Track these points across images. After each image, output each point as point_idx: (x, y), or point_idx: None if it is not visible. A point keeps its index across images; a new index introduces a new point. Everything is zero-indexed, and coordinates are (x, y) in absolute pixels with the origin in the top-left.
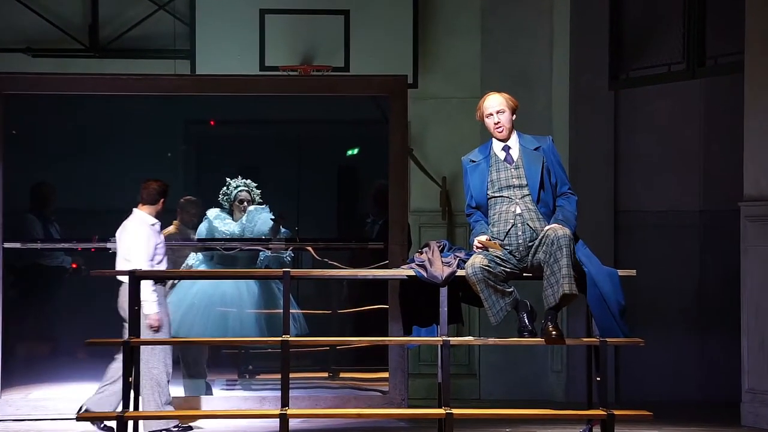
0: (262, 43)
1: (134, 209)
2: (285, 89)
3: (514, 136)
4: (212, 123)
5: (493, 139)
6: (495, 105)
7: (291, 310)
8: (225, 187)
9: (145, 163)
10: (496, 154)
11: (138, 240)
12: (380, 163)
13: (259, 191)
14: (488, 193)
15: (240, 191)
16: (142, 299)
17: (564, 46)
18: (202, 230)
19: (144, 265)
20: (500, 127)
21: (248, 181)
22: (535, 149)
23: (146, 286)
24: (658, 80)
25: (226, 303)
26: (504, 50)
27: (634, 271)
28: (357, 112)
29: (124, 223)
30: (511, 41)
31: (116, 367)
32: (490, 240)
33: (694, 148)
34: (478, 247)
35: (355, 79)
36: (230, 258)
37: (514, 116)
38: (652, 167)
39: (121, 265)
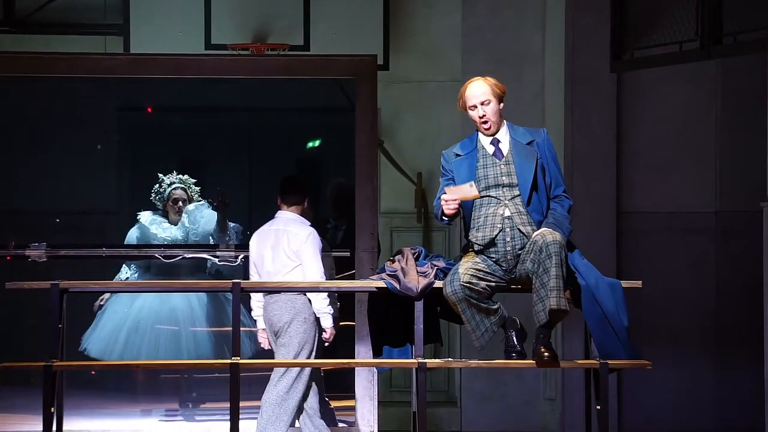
0: (208, 17)
1: (283, 211)
2: (234, 71)
3: (504, 128)
4: (149, 110)
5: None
6: (479, 95)
7: (242, 328)
8: (157, 185)
9: (70, 157)
10: (483, 147)
11: (312, 246)
12: (345, 157)
13: (197, 188)
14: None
15: (174, 189)
16: (320, 311)
17: (558, 21)
18: (132, 237)
19: (322, 275)
20: (486, 121)
21: (185, 176)
22: (528, 143)
23: (323, 298)
24: (667, 61)
25: (178, 320)
26: (489, 26)
27: (640, 282)
28: (318, 97)
29: (283, 228)
30: (497, 15)
31: (270, 396)
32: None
33: (709, 139)
34: (447, 201)
35: (316, 59)
36: (171, 268)
37: (502, 104)
38: (660, 162)
39: (285, 274)
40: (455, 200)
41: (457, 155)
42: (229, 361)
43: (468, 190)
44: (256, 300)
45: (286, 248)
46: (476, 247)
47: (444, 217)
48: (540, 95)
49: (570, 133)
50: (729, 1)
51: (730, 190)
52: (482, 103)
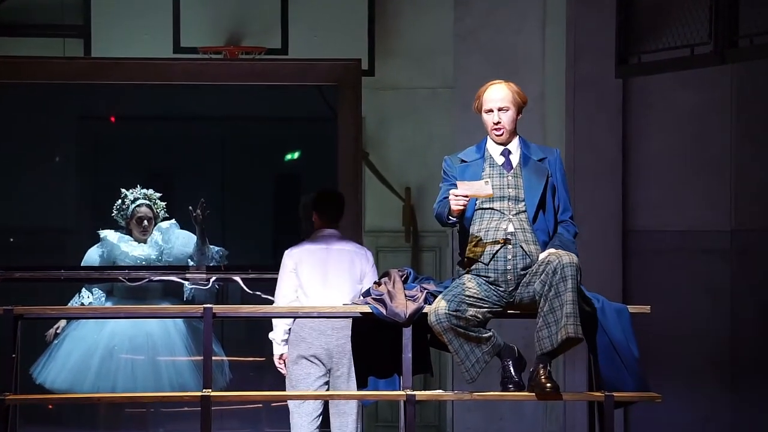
0: (177, 17)
1: (329, 230)
2: (206, 76)
3: (516, 141)
4: (112, 119)
5: (489, 138)
6: (497, 99)
7: (214, 357)
8: (120, 200)
9: (25, 170)
10: (492, 157)
11: (374, 268)
12: (327, 170)
13: (163, 204)
14: (476, 202)
15: (138, 206)
16: None
17: (560, 22)
18: (93, 257)
19: None
20: (500, 128)
21: (150, 191)
22: (540, 160)
23: None
24: (677, 65)
25: (156, 346)
26: (484, 27)
27: (648, 307)
28: (297, 105)
29: (339, 248)
30: (493, 16)
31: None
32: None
33: (723, 151)
34: (457, 196)
35: (294, 64)
36: (137, 291)
37: (520, 115)
38: (670, 176)
39: (351, 297)
40: (466, 196)
41: (463, 161)
42: (199, 393)
43: (481, 187)
44: (285, 323)
45: (352, 270)
46: (472, 261)
47: (450, 217)
48: (539, 102)
49: (572, 144)
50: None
51: (747, 207)
52: (500, 109)
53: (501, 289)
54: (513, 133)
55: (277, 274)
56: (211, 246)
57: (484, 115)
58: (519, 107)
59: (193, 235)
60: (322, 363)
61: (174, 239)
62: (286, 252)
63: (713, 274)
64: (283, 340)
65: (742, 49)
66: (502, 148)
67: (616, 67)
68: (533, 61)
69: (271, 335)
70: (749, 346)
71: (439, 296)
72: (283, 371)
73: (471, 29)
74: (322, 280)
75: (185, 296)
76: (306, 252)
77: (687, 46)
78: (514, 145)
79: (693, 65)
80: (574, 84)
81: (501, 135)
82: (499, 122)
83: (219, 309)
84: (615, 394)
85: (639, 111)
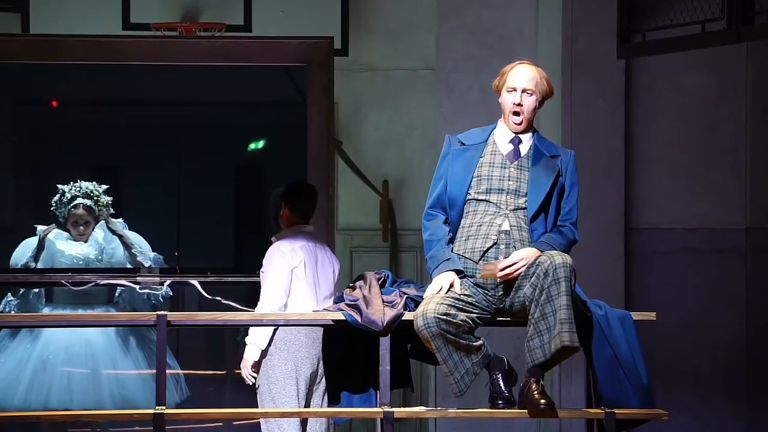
0: None
1: (310, 226)
2: (159, 56)
3: (530, 133)
4: (54, 103)
5: (500, 123)
6: (523, 80)
7: (168, 370)
8: (58, 196)
9: None
10: (496, 143)
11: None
12: (295, 161)
13: (109, 199)
14: (469, 192)
15: (75, 206)
16: None
17: None
18: (24, 257)
19: None
20: (520, 112)
21: (92, 184)
22: (552, 157)
23: None
24: (686, 44)
25: (96, 357)
26: (470, 2)
27: (654, 313)
28: (262, 89)
29: (324, 247)
30: None
31: None
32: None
33: (737, 140)
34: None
35: (259, 42)
36: (80, 297)
37: (540, 107)
38: (678, 168)
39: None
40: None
41: (462, 144)
42: (152, 410)
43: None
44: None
45: (333, 277)
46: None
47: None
48: None
49: (568, 133)
50: None
51: (764, 202)
52: (524, 90)
53: (489, 293)
54: (530, 123)
55: (239, 276)
56: (152, 253)
57: (505, 95)
58: (544, 96)
59: (141, 237)
60: (312, 378)
61: (118, 240)
62: (282, 245)
63: (726, 276)
64: (261, 346)
65: (759, 26)
66: (512, 135)
67: (618, 46)
68: (525, 39)
69: (251, 338)
70: (766, 355)
71: (426, 298)
72: (250, 381)
73: (455, 4)
74: (317, 285)
75: (115, 299)
76: (306, 251)
77: (697, 23)
78: (527, 137)
79: (704, 44)
80: (570, 65)
81: (519, 120)
82: (520, 104)
83: (174, 316)
84: (616, 410)
85: (643, 95)
